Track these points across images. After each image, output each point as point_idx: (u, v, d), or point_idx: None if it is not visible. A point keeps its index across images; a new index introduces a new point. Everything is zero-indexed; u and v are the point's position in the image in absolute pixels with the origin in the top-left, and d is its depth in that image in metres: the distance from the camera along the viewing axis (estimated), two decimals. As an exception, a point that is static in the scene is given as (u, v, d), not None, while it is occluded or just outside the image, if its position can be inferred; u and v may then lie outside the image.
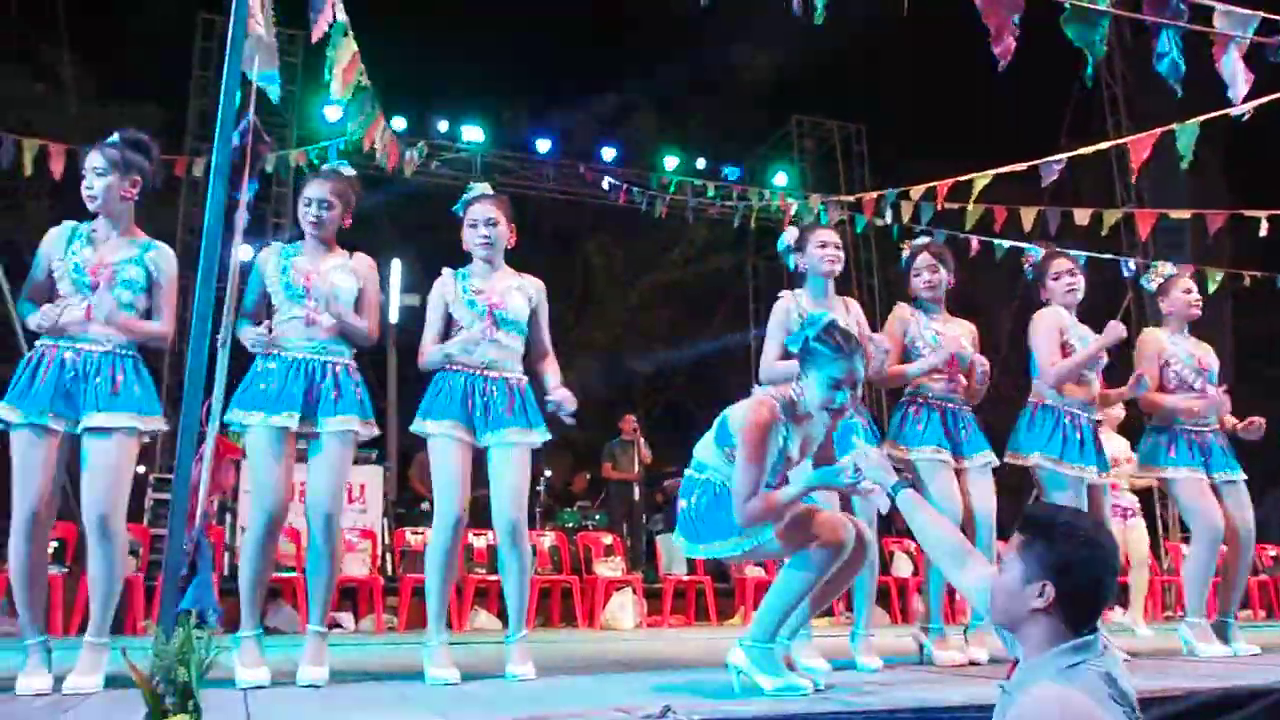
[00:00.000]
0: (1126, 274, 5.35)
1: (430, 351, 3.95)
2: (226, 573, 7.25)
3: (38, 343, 3.51)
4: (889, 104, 17.64)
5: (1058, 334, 4.61)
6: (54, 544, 3.65)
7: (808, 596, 3.43)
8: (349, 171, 3.97)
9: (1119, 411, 7.01)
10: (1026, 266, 5.00)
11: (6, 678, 3.41)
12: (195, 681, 2.24)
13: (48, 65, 13.94)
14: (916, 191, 7.77)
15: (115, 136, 3.67)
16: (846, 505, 3.85)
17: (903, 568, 9.29)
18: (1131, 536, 7.25)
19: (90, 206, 3.61)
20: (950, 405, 4.55)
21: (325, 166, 4.04)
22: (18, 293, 3.71)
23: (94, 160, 3.60)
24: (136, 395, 3.50)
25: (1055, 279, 4.72)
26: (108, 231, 3.63)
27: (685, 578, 8.92)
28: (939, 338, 4.56)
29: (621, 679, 3.81)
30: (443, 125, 13.34)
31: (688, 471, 3.57)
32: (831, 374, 3.27)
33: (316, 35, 4.30)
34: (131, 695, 2.44)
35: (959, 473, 4.49)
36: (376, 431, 3.86)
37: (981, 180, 6.48)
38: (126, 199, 3.64)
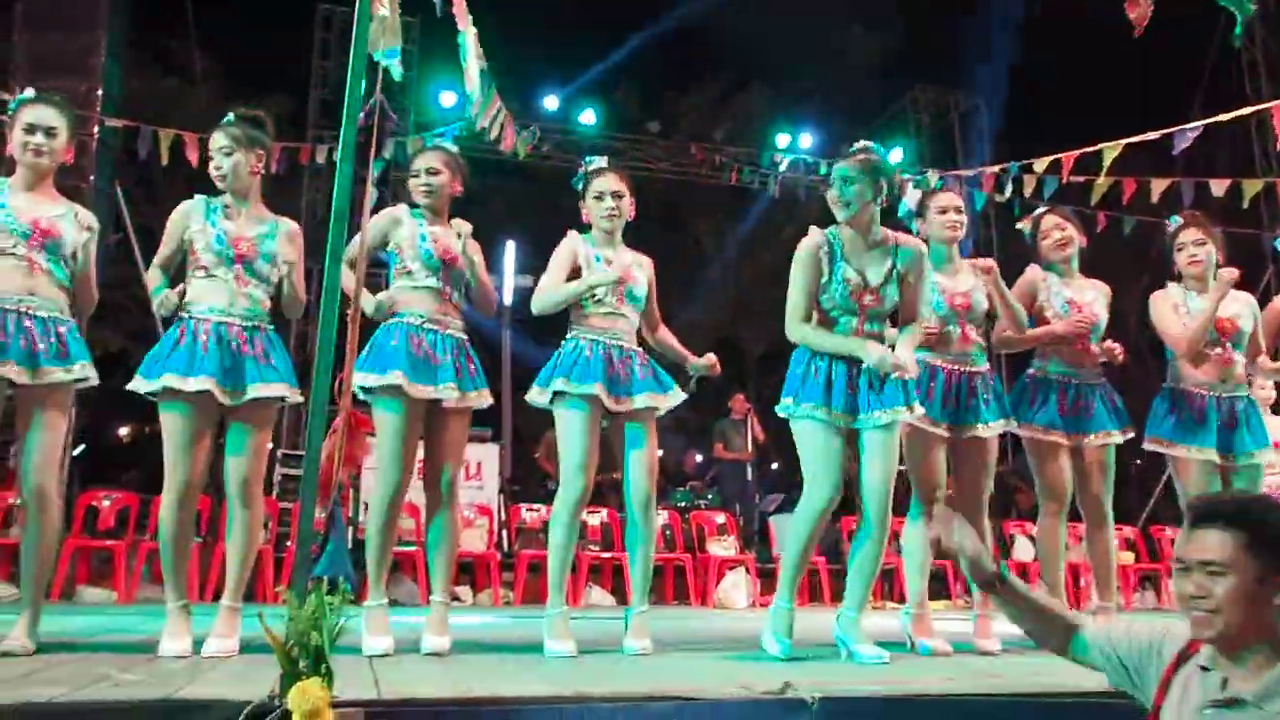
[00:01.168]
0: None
1: (554, 288, 3.92)
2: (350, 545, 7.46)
3: (183, 313, 3.59)
4: (1012, 75, 17.09)
5: (1173, 306, 4.42)
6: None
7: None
8: (452, 147, 4.11)
9: (1269, 393, 6.60)
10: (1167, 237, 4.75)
11: (150, 640, 3.57)
12: (328, 646, 2.30)
13: (177, 60, 14.45)
14: (1040, 165, 7.48)
15: (231, 115, 3.78)
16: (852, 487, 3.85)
17: (1023, 552, 9.04)
18: None
19: (220, 186, 3.72)
20: (1074, 380, 4.42)
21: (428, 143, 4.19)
22: None
23: (219, 140, 3.71)
24: (284, 367, 3.65)
25: (1179, 250, 4.49)
26: (238, 208, 3.73)
27: (798, 558, 8.81)
28: (1069, 307, 4.42)
29: (738, 656, 3.80)
30: (552, 104, 13.42)
31: None
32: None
33: (462, 23, 4.39)
34: (266, 659, 2.52)
35: (1076, 451, 4.37)
36: (490, 400, 3.95)
37: (1111, 151, 6.21)
38: (254, 174, 3.75)
